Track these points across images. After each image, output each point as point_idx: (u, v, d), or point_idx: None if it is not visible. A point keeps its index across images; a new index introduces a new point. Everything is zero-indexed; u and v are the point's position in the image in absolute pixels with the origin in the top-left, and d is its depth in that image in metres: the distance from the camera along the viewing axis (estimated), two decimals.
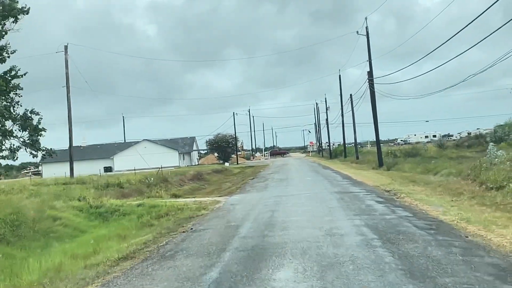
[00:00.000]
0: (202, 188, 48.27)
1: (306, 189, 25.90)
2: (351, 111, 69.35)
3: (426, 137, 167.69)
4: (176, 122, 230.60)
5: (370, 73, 46.07)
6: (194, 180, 54.51)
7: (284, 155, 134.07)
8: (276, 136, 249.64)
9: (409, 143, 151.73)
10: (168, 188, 43.16)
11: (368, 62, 46.36)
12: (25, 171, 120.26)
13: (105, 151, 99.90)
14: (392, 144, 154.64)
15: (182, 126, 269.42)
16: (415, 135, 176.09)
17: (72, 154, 45.27)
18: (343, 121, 72.46)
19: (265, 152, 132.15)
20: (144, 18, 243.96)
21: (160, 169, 50.37)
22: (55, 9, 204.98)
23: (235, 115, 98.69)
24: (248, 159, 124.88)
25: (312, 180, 32.21)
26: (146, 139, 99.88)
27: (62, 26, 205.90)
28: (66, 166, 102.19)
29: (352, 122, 64.74)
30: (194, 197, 26.81)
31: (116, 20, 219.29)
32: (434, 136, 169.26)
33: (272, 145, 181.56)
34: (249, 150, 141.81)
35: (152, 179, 39.86)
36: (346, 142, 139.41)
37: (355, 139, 64.13)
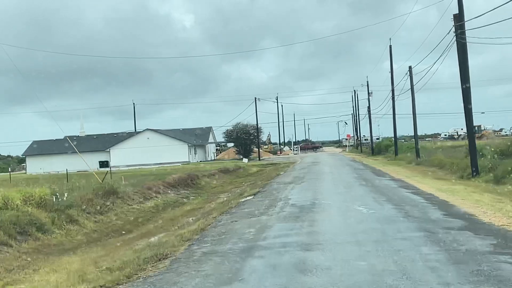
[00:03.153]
0: (178, 205, 29.69)
1: None
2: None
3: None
4: (209, 114, 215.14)
5: (458, 17, 26.70)
6: (178, 186, 35.94)
7: (317, 150, 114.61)
8: (308, 128, 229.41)
9: (457, 138, 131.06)
10: (107, 209, 24.69)
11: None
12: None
13: (102, 142, 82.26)
14: (437, 139, 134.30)
15: (215, 118, 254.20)
16: (462, 129, 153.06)
17: None
18: (393, 105, 52.80)
19: (295, 146, 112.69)
20: (180, 8, 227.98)
21: (109, 170, 31.96)
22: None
23: (256, 100, 79.46)
24: (275, 153, 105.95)
25: (374, 217, 13.09)
26: (149, 129, 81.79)
27: (98, 15, 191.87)
28: (54, 159, 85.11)
29: (408, 110, 45.30)
30: None
31: (153, 10, 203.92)
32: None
33: (304, 138, 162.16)
34: (276, 144, 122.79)
35: (66, 195, 21.22)
36: (381, 136, 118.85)
37: (415, 131, 44.48)
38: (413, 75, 42.27)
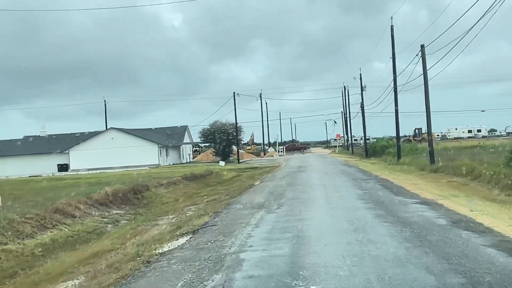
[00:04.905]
0: (91, 238, 19.34)
1: None
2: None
3: (470, 131, 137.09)
4: (197, 115, 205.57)
5: None
6: (111, 204, 25.60)
7: (304, 151, 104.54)
8: (295, 129, 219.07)
9: (450, 138, 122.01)
10: None
11: None
12: None
13: (63, 143, 71.54)
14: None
15: (202, 118, 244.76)
16: (456, 129, 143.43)
17: None
18: (396, 97, 42.74)
19: (280, 147, 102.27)
20: (169, 7, 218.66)
21: None
22: None
23: (235, 96, 68.92)
24: (258, 155, 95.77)
25: None
26: (114, 128, 71.22)
27: (87, 14, 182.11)
28: (9, 161, 73.57)
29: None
30: None
31: (141, 8, 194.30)
32: (479, 130, 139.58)
33: (291, 138, 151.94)
34: (260, 144, 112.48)
35: None
36: (370, 136, 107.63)
37: (429, 126, 34.27)
38: (425, 56, 32.26)
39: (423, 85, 32.19)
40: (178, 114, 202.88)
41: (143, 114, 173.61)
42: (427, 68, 32.59)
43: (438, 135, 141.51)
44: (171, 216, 21.93)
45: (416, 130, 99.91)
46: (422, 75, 32.20)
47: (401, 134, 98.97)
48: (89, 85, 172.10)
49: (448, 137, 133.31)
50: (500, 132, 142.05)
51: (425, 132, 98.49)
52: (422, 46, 32.30)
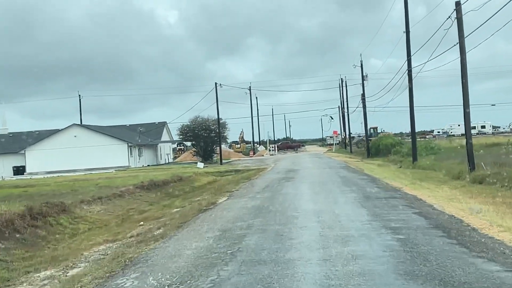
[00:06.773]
0: None
1: None
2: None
3: (474, 128, 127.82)
4: (195, 114, 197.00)
5: None
6: None
7: (298, 149, 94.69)
8: (290, 126, 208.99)
9: (457, 135, 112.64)
10: None
11: None
12: None
13: (20, 142, 61.54)
14: (433, 136, 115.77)
15: (182, 114, 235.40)
16: (459, 125, 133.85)
17: None
18: (410, 82, 33.12)
19: (271, 146, 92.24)
20: (165, 4, 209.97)
21: None
22: None
23: (217, 87, 58.80)
24: (247, 154, 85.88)
25: None
26: (77, 124, 61.15)
27: (81, 11, 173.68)
28: None
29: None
30: None
31: (136, 5, 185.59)
32: (483, 127, 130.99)
33: (285, 136, 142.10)
34: (251, 142, 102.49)
35: None
36: (376, 133, 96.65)
37: (467, 123, 24.42)
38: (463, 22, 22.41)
39: (459, 57, 22.30)
40: (172, 112, 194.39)
41: (137, 112, 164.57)
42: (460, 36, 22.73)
43: (439, 132, 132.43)
44: (45, 274, 12.07)
45: (371, 129, 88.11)
46: (458, 44, 22.29)
47: (361, 134, 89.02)
48: (84, 83, 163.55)
49: (450, 133, 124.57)
50: (504, 129, 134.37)
51: (381, 131, 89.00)
52: (458, 3, 22.41)
